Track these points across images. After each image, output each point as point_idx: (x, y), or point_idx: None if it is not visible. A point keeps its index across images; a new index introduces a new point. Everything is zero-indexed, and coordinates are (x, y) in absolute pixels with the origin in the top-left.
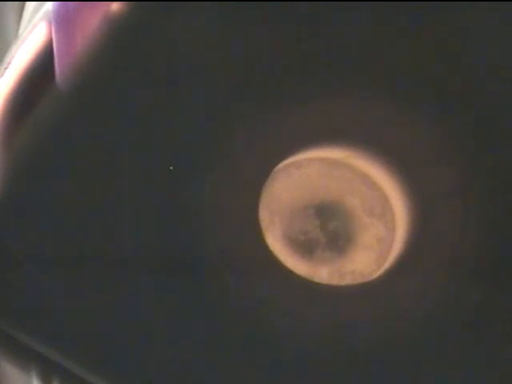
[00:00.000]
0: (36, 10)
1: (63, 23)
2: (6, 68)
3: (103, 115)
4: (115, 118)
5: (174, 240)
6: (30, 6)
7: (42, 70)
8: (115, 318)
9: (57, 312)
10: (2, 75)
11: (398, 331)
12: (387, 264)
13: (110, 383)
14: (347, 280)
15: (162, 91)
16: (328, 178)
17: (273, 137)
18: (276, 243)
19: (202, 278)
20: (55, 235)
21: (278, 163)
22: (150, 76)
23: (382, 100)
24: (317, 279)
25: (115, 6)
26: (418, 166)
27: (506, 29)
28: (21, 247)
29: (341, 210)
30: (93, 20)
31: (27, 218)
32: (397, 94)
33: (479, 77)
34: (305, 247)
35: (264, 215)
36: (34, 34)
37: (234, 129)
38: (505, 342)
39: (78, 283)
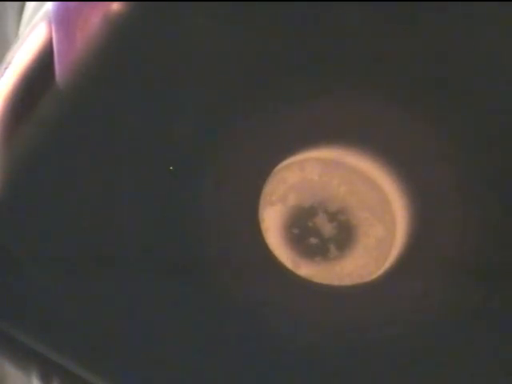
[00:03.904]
0: (36, 10)
1: (63, 23)
2: (5, 68)
3: (103, 115)
4: (115, 118)
5: (174, 240)
6: (29, 5)
7: (42, 70)
8: (115, 318)
9: (57, 312)
10: (2, 75)
11: (397, 332)
12: (387, 264)
13: (110, 383)
14: (347, 280)
15: (161, 91)
16: (328, 178)
17: (273, 137)
18: (276, 243)
19: (202, 278)
20: (55, 235)
21: (277, 163)
22: (150, 76)
23: (382, 100)
24: (316, 279)
25: (115, 5)
26: (418, 166)
27: (507, 29)
28: (21, 247)
29: (341, 210)
30: (93, 20)
31: (27, 217)
32: (397, 93)
33: (479, 77)
34: (305, 247)
35: (264, 215)
36: (34, 34)
37: (234, 129)
38: (505, 342)
39: (78, 283)
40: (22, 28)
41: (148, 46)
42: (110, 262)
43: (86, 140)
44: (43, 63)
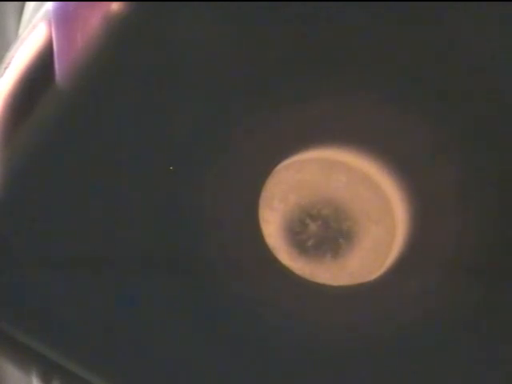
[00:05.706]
0: (36, 10)
1: (63, 23)
2: (6, 68)
3: (103, 115)
4: (115, 118)
5: (174, 240)
6: (29, 5)
7: (41, 70)
8: (115, 318)
9: (57, 312)
10: (2, 75)
11: (397, 331)
12: (387, 265)
13: (110, 383)
14: (347, 280)
15: (161, 91)
16: (328, 178)
17: (273, 137)
18: (276, 243)
19: (202, 278)
20: (55, 235)
21: (278, 163)
22: (150, 76)
23: (382, 100)
24: (316, 279)
25: (115, 6)
26: (418, 167)
27: (506, 29)
28: (21, 247)
29: (341, 210)
30: (93, 20)
31: (27, 218)
32: (397, 93)
33: (479, 77)
34: (305, 247)
35: (264, 215)
36: (33, 34)
37: (234, 129)
38: (505, 342)
39: (78, 283)
40: (22, 28)
41: (148, 46)
42: (109, 262)
43: (85, 140)
44: (43, 63)
